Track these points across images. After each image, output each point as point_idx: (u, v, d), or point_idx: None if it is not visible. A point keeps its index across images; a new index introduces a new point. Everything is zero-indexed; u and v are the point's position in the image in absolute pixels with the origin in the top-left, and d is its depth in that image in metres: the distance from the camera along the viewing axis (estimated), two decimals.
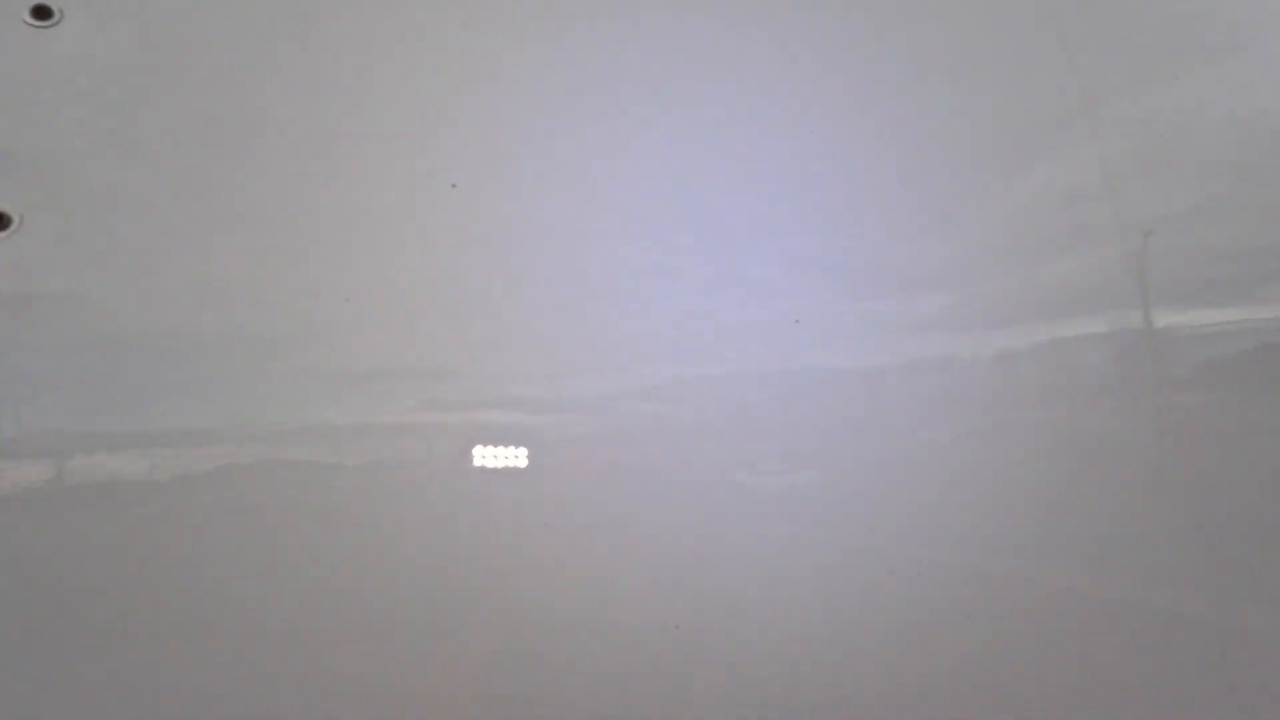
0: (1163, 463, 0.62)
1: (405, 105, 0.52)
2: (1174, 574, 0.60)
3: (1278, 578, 0.64)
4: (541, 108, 0.53)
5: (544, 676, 0.48)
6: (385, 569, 0.47)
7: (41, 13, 0.46)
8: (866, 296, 0.58)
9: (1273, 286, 0.68)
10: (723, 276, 0.56)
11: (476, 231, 0.51)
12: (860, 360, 0.57)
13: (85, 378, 0.43)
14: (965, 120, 0.62)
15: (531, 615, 0.49)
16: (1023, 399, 0.61)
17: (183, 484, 0.44)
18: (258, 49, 0.51)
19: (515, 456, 0.49)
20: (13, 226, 0.43)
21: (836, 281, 0.58)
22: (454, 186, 0.48)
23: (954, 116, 0.62)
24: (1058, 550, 0.59)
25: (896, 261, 0.59)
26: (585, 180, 0.54)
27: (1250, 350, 0.66)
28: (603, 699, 0.48)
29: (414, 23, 0.54)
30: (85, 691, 0.41)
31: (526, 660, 0.48)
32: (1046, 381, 0.62)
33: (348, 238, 0.49)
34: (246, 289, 0.47)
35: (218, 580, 0.44)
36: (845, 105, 0.59)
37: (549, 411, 0.50)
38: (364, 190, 0.50)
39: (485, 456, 0.49)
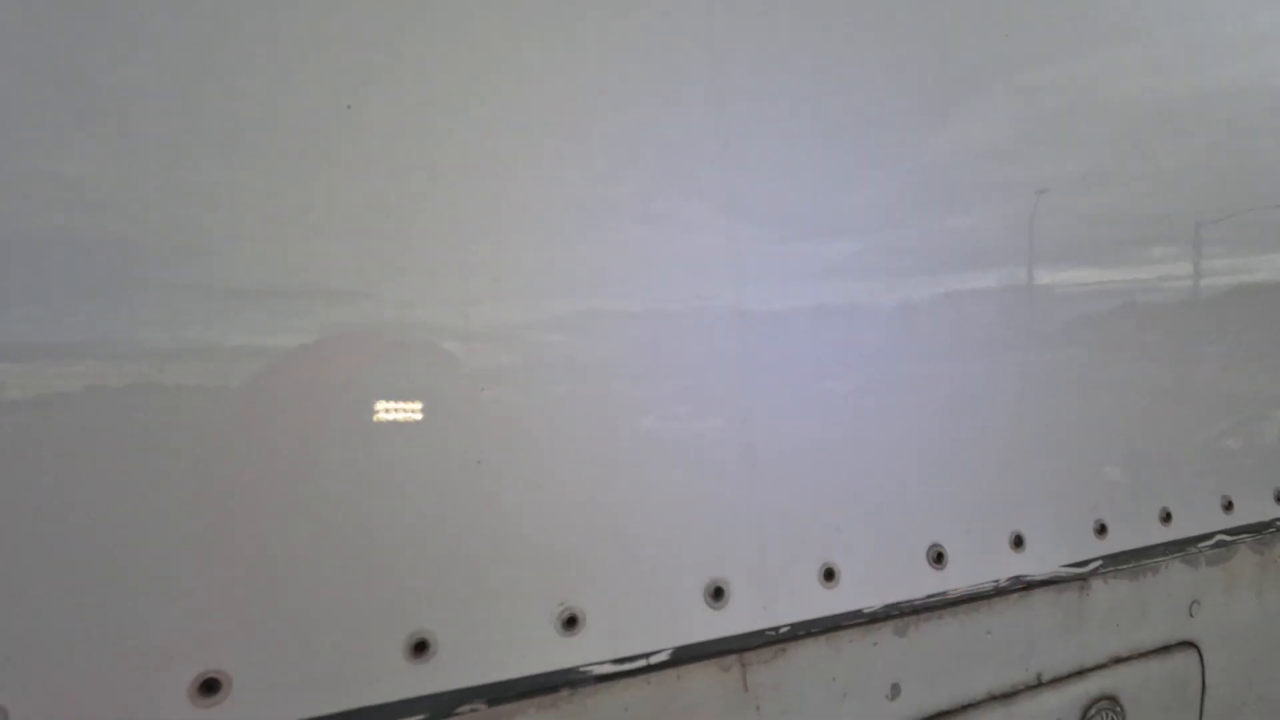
0: (1023, 414, 0.66)
1: (304, 16, 0.46)
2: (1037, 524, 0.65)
3: (1130, 518, 0.71)
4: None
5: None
6: (267, 503, 0.43)
7: None
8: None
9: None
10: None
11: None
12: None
13: None
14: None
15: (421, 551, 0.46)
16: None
17: (40, 404, 0.39)
18: None
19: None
20: None
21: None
22: (349, 108, 0.45)
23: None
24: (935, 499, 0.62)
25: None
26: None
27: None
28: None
29: None
30: None
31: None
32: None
33: (245, 146, 0.44)
34: (120, 190, 0.41)
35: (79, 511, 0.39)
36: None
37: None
38: (262, 100, 0.44)
39: (385, 385, 0.46)
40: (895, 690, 0.59)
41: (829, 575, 0.57)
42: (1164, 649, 0.73)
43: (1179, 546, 0.74)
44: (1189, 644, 0.75)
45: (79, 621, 0.39)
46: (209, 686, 0.41)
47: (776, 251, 0.57)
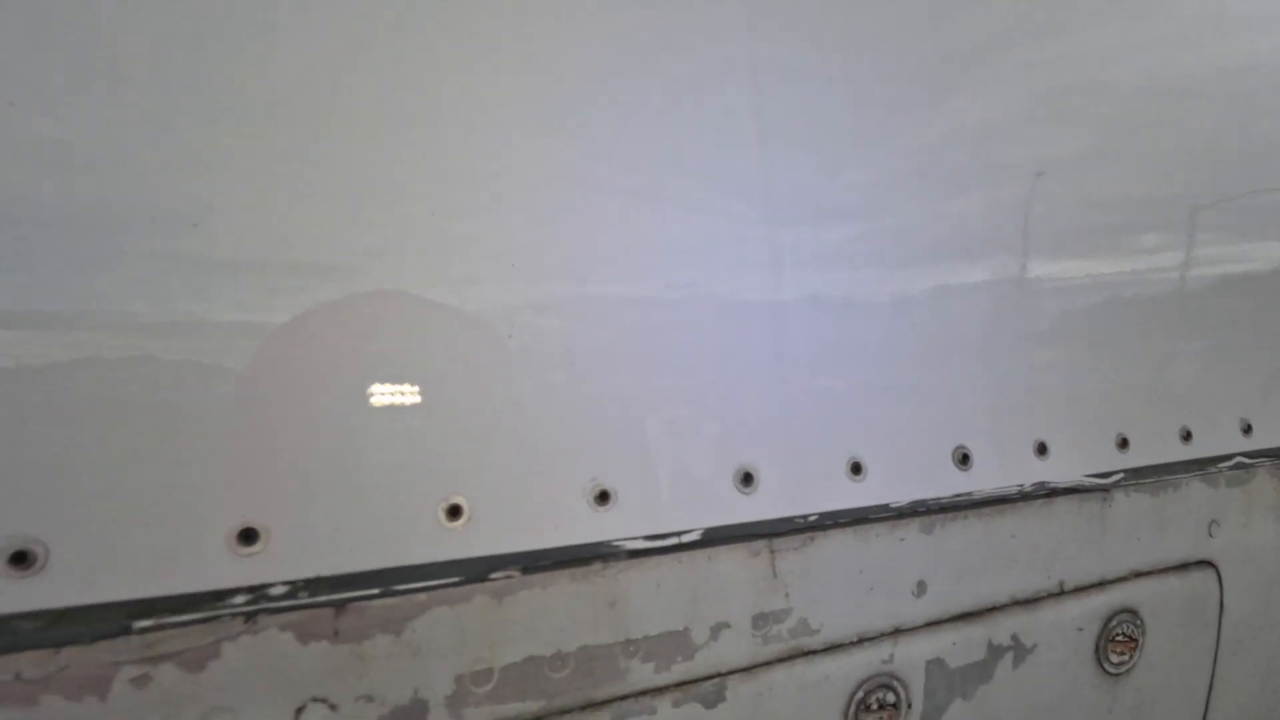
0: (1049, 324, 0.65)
1: None
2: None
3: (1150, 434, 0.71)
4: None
5: None
6: (310, 366, 0.42)
7: None
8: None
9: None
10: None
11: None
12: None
13: None
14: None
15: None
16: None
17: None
18: None
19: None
20: None
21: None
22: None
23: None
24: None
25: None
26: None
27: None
28: None
29: None
30: None
31: None
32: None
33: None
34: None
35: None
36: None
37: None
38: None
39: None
40: (921, 587, 0.60)
41: (856, 469, 0.57)
42: (1183, 566, 0.74)
43: (1199, 465, 0.74)
44: (1208, 563, 0.75)
45: (125, 464, 0.39)
46: (247, 536, 0.41)
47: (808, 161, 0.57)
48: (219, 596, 0.40)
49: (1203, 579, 0.75)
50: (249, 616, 0.40)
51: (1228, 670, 0.78)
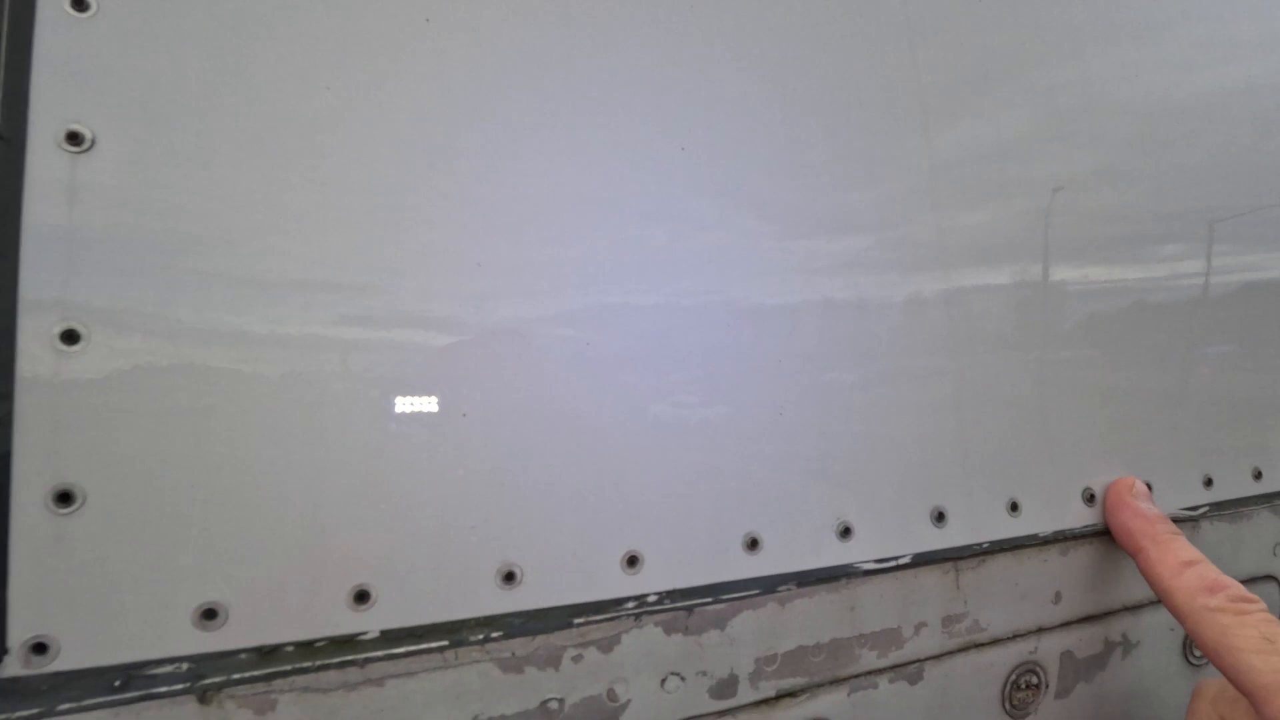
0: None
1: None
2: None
3: (1229, 474, 0.88)
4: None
5: None
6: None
7: None
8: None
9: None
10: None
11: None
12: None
13: None
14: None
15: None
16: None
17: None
18: None
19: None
20: None
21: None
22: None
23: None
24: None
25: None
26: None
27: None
28: None
29: None
30: None
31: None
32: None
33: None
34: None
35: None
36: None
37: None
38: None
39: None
40: (1058, 596, 0.78)
41: (1014, 507, 0.75)
42: (1252, 579, 0.91)
43: (1266, 499, 0.91)
44: (1271, 577, 0.93)
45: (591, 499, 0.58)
46: (631, 561, 0.60)
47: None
48: (618, 603, 0.59)
49: (1266, 589, 0.92)
50: (636, 616, 0.59)
51: None
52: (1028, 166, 0.77)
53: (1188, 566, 0.36)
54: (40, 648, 0.45)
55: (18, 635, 0.45)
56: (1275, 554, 0.92)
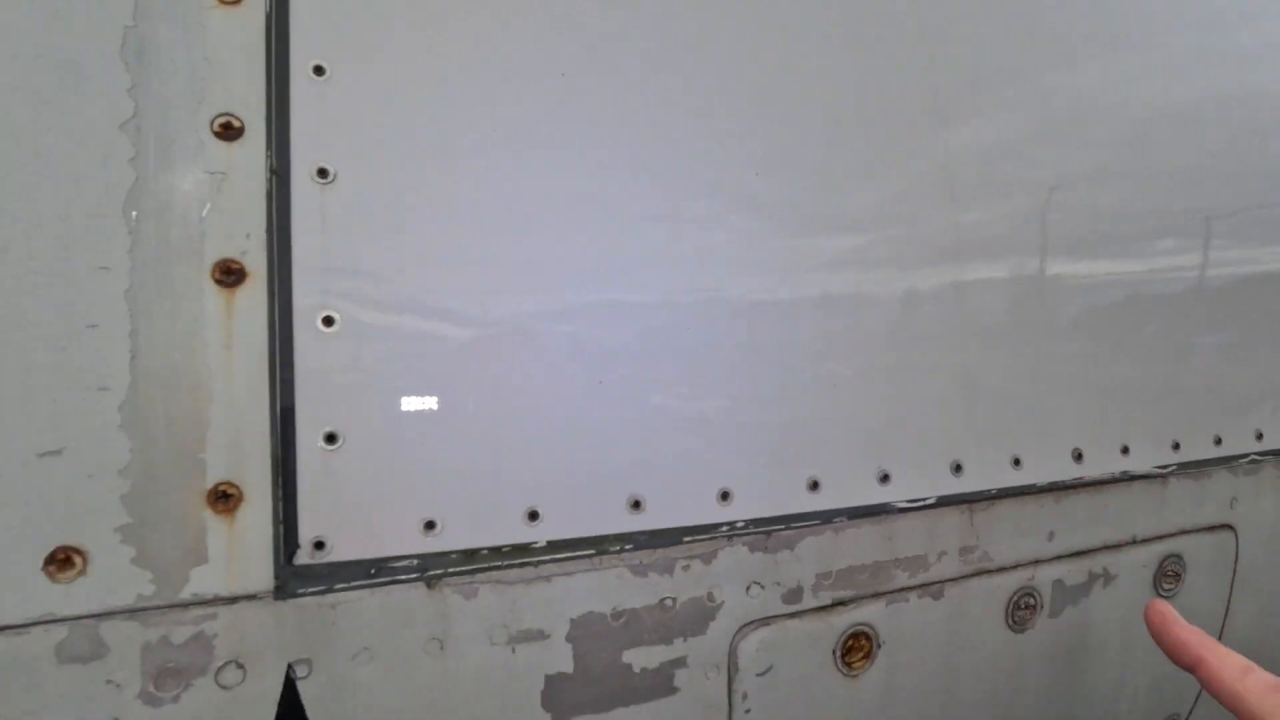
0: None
1: None
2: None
3: (1194, 439, 1.05)
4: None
5: None
6: None
7: None
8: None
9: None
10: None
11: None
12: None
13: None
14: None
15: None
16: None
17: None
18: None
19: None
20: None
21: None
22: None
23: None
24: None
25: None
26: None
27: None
28: None
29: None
30: None
31: None
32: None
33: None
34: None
35: None
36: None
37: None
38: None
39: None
40: (1051, 535, 0.96)
41: (1016, 462, 0.93)
42: (1212, 527, 1.10)
43: (1225, 461, 1.10)
44: (1228, 526, 1.11)
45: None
46: (725, 495, 0.77)
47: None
48: (715, 527, 0.77)
49: (1225, 537, 1.11)
50: (729, 538, 0.77)
51: (1239, 600, 1.15)
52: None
53: (1247, 672, 0.46)
54: (320, 544, 0.63)
55: (306, 535, 0.62)
56: (1232, 507, 1.11)
